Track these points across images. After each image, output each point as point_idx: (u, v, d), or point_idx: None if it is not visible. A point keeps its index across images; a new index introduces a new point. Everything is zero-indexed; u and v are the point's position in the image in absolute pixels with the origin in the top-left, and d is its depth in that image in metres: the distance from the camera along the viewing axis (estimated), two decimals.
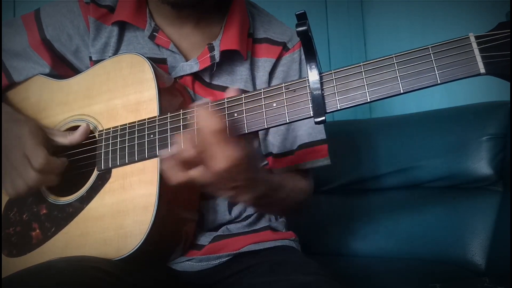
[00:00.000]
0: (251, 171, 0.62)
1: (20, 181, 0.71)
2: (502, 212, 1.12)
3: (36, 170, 0.69)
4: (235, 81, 0.82)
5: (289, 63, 0.85)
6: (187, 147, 0.58)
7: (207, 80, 0.81)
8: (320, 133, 0.85)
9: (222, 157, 0.57)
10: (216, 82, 0.82)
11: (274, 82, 0.85)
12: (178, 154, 0.59)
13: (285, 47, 0.85)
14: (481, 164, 1.16)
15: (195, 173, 0.59)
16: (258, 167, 0.68)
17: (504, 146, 1.15)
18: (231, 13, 0.83)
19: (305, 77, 0.61)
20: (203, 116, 0.57)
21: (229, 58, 0.81)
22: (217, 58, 0.79)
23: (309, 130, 0.84)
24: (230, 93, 0.64)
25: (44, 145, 0.72)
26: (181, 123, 0.68)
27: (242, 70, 0.83)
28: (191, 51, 0.82)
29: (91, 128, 0.76)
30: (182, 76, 0.80)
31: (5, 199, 0.80)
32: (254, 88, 0.83)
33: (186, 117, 0.68)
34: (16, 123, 0.75)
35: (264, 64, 0.84)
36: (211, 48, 0.80)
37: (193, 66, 0.79)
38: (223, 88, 0.81)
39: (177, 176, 0.60)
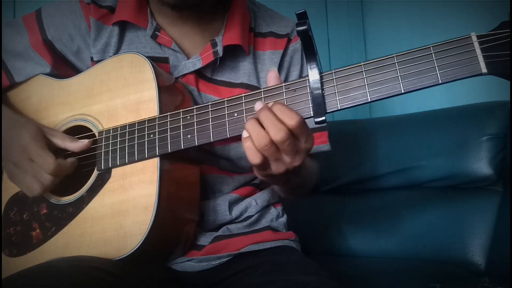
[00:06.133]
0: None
1: (37, 185, 0.72)
2: (502, 212, 1.12)
3: (50, 173, 0.71)
4: (238, 76, 0.83)
5: (292, 52, 0.87)
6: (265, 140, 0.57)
7: (211, 76, 0.82)
8: None
9: (299, 150, 0.59)
10: (219, 78, 0.82)
11: (280, 72, 0.86)
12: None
13: (288, 39, 0.87)
14: (481, 164, 1.16)
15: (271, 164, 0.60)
16: None
17: (504, 146, 1.15)
18: (233, 9, 0.83)
19: (305, 77, 0.61)
20: (284, 111, 0.57)
21: (231, 54, 0.82)
22: (220, 53, 0.79)
23: None
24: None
25: (48, 148, 0.73)
26: (181, 123, 0.68)
27: (245, 65, 0.83)
28: (193, 49, 0.82)
29: (94, 131, 0.76)
30: (185, 75, 0.80)
31: (5, 199, 0.80)
32: (258, 82, 0.84)
33: (186, 116, 0.68)
34: (16, 126, 0.75)
35: (271, 56, 0.85)
36: (214, 44, 0.80)
37: (195, 63, 0.79)
38: (228, 84, 0.82)
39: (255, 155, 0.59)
